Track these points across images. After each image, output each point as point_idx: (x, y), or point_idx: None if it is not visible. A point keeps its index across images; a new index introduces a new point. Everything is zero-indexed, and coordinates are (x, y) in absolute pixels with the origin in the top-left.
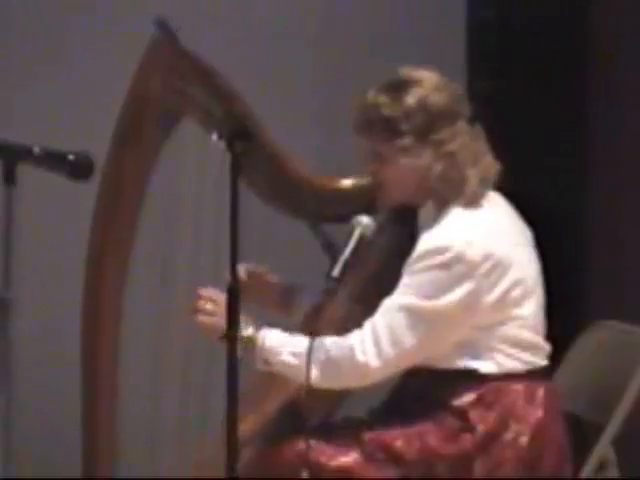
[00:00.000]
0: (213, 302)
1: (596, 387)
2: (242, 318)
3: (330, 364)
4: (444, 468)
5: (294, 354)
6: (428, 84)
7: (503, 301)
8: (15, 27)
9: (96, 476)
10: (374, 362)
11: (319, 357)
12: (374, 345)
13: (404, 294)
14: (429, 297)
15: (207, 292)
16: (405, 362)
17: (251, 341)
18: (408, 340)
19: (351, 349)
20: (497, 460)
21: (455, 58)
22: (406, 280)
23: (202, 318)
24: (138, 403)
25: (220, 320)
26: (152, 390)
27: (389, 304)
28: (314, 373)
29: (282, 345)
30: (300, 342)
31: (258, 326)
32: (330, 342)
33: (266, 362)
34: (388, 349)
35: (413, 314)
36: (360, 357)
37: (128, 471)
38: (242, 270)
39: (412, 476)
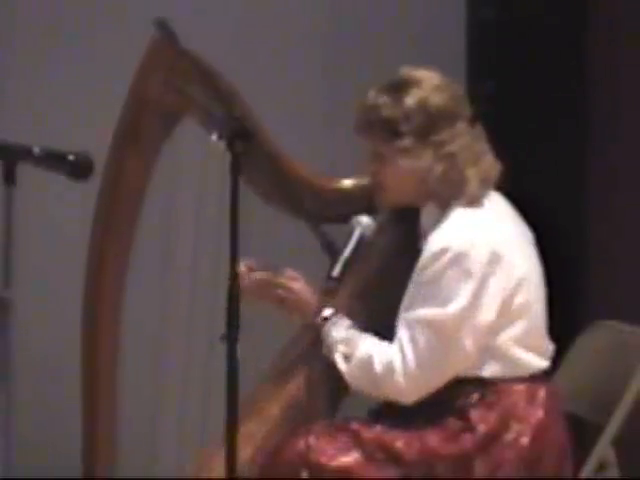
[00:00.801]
0: (285, 289)
1: (596, 387)
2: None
3: (370, 382)
4: (444, 468)
5: (345, 356)
6: (428, 85)
7: (508, 301)
8: (15, 27)
9: (96, 476)
10: (404, 380)
11: (362, 372)
12: (402, 361)
13: (419, 308)
14: (440, 304)
15: (285, 278)
16: (438, 374)
17: (321, 325)
18: (431, 353)
19: (389, 368)
20: (497, 460)
21: (455, 58)
22: (416, 290)
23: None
24: (138, 403)
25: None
26: (152, 390)
27: (406, 318)
28: (355, 384)
29: (341, 341)
30: (357, 345)
31: (335, 313)
32: (376, 358)
33: (328, 350)
34: (413, 365)
35: (428, 325)
36: (396, 377)
37: (128, 471)
38: (242, 265)
39: (412, 476)
